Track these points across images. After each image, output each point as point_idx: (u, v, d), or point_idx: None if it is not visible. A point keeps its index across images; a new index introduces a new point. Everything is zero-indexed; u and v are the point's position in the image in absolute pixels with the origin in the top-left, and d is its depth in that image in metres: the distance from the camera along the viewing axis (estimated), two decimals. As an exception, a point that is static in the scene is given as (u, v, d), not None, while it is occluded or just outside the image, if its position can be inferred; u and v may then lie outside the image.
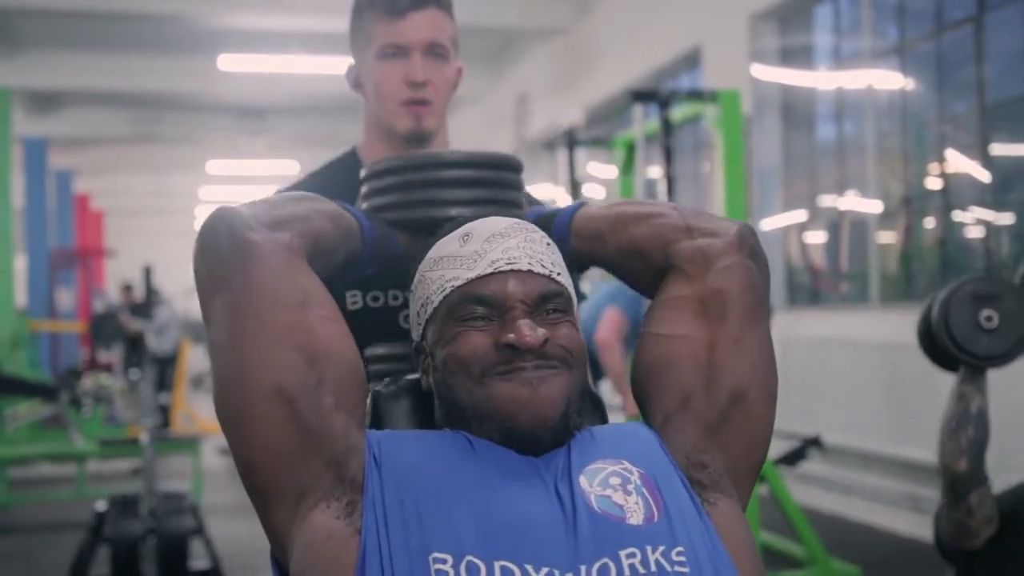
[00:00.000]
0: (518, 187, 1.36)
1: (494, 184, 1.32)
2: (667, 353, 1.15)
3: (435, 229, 1.20)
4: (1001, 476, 2.19)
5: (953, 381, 2.10)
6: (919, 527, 4.80)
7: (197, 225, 1.11)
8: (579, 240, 1.25)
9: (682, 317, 1.15)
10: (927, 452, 4.95)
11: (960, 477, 1.98)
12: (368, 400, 1.19)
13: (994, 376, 2.11)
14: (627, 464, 1.06)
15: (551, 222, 1.27)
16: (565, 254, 1.21)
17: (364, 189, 1.34)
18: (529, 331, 1.05)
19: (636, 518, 1.01)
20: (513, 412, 1.04)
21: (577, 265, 1.27)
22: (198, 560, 4.15)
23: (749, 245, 1.18)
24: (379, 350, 1.43)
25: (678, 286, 1.18)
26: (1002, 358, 2.08)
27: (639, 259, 1.22)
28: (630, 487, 1.04)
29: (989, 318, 2.06)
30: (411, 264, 1.20)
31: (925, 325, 2.14)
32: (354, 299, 1.53)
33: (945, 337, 2.08)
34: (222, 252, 1.06)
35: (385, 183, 1.31)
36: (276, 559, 1.08)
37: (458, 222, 1.16)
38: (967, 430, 2.00)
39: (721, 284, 1.15)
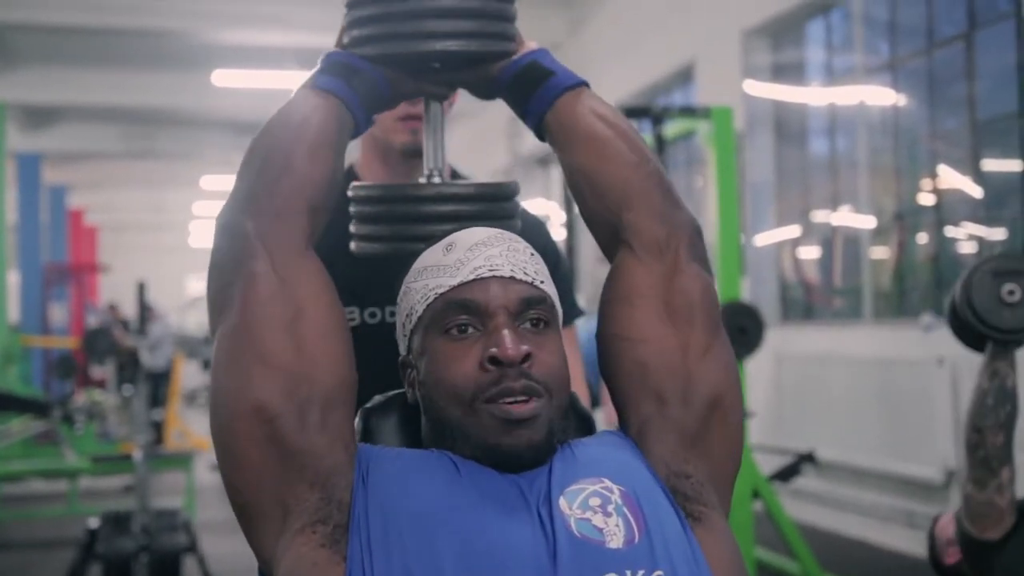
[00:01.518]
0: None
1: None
2: (640, 359, 1.14)
3: (419, 63, 1.20)
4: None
5: (980, 362, 2.11)
6: (913, 543, 4.80)
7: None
8: (554, 122, 1.23)
9: (648, 320, 1.15)
10: (921, 468, 4.95)
11: (997, 451, 2.01)
12: (358, 417, 1.19)
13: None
14: (608, 482, 1.06)
15: (539, 84, 1.23)
16: (535, 121, 1.23)
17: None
18: (511, 345, 1.05)
19: (616, 541, 1.01)
20: (498, 437, 1.05)
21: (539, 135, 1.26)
22: (191, 577, 4.14)
23: (701, 248, 1.20)
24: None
25: (635, 277, 1.17)
26: None
27: (596, 198, 1.21)
28: (610, 507, 1.03)
29: (1011, 292, 2.08)
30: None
31: (951, 305, 2.17)
32: (351, 316, 1.53)
33: (968, 312, 2.10)
34: (225, 275, 1.10)
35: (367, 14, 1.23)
36: (263, 576, 1.09)
37: (442, 234, 1.17)
38: (1006, 406, 2.03)
39: (684, 286, 1.16)
